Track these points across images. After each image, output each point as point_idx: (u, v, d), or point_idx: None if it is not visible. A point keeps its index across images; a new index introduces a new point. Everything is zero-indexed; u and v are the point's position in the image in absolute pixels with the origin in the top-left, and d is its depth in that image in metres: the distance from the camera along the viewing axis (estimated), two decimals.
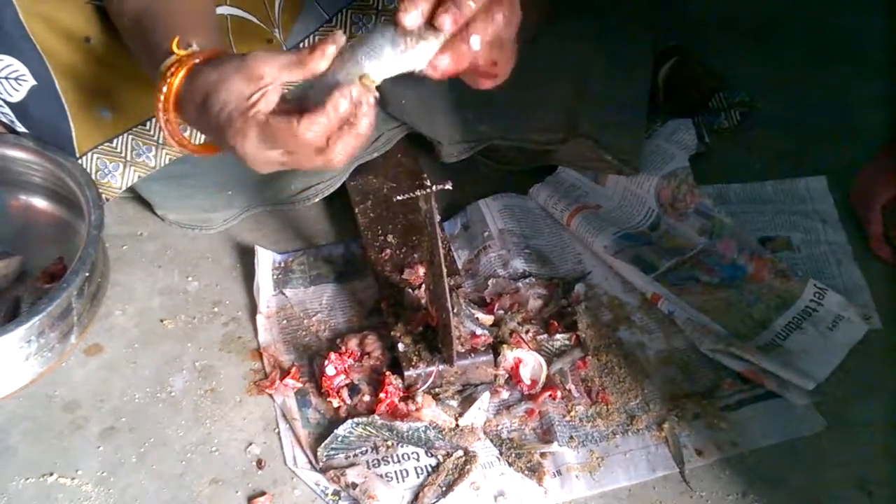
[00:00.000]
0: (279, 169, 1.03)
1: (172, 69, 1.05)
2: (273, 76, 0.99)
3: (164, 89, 1.05)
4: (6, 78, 1.26)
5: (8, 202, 1.42)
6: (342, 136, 0.98)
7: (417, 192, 1.08)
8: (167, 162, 1.40)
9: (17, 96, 1.28)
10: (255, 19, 1.35)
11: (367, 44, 0.97)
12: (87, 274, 1.25)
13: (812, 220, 1.45)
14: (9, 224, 1.41)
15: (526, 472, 1.17)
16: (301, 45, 1.37)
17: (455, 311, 1.21)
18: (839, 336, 1.29)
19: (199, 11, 1.19)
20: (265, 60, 0.99)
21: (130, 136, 1.36)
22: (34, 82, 1.27)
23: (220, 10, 1.31)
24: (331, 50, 0.98)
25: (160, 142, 1.37)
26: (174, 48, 1.06)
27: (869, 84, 1.70)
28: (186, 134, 1.12)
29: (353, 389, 1.23)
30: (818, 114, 1.64)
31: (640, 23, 1.45)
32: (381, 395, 1.20)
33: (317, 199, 1.44)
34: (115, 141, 1.36)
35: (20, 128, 1.33)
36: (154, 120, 1.36)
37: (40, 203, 1.42)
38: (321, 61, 0.98)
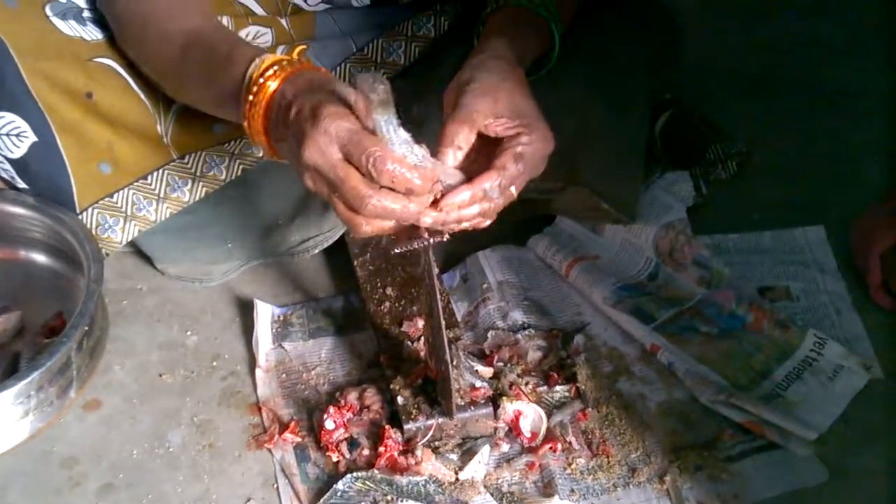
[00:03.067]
0: (311, 184, 1.02)
1: (272, 70, 1.06)
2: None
3: (258, 85, 1.06)
4: (7, 135, 1.27)
5: (8, 258, 1.42)
6: (392, 194, 0.98)
7: (415, 245, 1.08)
8: (167, 216, 1.40)
9: (18, 153, 1.29)
10: None
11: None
12: (86, 328, 1.25)
13: (811, 270, 1.45)
14: (9, 279, 1.42)
15: None
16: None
17: (454, 363, 1.21)
18: (840, 386, 1.29)
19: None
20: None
21: (131, 191, 1.37)
22: (35, 138, 1.28)
23: None
24: None
25: (160, 196, 1.38)
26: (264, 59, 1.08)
27: (866, 134, 1.71)
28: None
29: (353, 443, 1.23)
30: (815, 164, 1.65)
31: (639, 70, 1.46)
32: (381, 448, 1.20)
33: (316, 252, 1.45)
34: (115, 196, 1.36)
35: (21, 184, 1.33)
36: (155, 174, 1.37)
37: (40, 258, 1.43)
38: None
